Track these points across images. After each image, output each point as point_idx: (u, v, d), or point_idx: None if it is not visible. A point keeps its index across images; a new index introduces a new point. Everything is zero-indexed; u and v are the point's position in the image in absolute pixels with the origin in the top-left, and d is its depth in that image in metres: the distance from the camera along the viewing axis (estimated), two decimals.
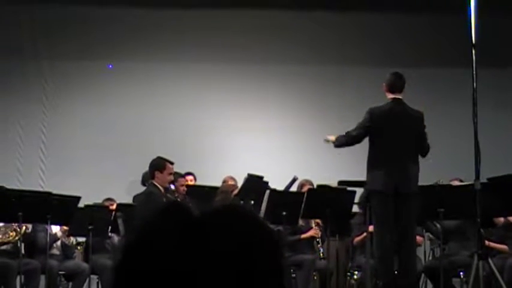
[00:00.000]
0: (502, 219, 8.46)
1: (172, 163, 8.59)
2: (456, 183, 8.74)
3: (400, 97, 7.55)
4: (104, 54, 11.50)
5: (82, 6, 11.46)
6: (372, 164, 7.45)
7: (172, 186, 8.83)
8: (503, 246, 8.44)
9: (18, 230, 8.57)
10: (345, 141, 7.64)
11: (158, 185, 8.43)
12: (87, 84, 11.52)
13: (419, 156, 7.52)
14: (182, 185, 9.49)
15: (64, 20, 11.48)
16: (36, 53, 11.43)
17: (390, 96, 7.56)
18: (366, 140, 7.57)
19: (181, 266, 1.11)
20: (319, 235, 9.20)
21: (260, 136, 11.48)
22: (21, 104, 11.40)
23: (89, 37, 11.45)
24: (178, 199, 8.76)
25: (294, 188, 9.39)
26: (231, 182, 9.62)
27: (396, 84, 7.57)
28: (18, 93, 11.40)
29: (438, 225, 8.46)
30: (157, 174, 8.45)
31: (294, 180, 9.30)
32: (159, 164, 8.51)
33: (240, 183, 9.15)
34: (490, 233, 8.57)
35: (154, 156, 8.70)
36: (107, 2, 11.57)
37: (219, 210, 1.20)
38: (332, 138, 7.79)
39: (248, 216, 1.19)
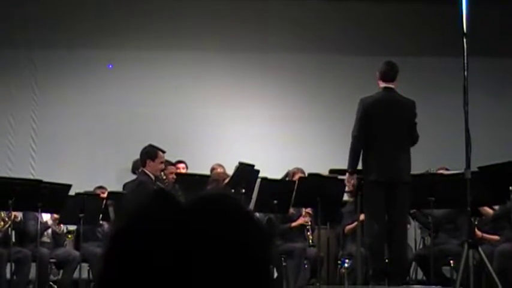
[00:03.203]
0: (491, 211, 8.48)
1: (164, 151, 8.58)
2: (444, 172, 8.76)
3: (392, 86, 7.55)
4: (94, 42, 11.45)
5: None
6: (365, 153, 7.46)
7: (163, 173, 8.80)
8: (495, 237, 8.47)
9: (7, 219, 8.55)
10: (354, 144, 7.50)
11: (149, 173, 8.42)
12: (78, 73, 11.47)
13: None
14: (171, 173, 9.46)
15: (55, 8, 11.43)
16: (26, 42, 11.38)
17: (382, 85, 7.57)
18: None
19: (167, 250, 1.11)
20: (309, 223, 9.22)
21: (252, 125, 11.48)
22: (12, 91, 11.36)
23: (80, 26, 11.39)
24: (166, 187, 8.74)
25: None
26: (219, 170, 9.61)
27: (388, 73, 7.57)
28: (9, 81, 11.36)
29: (429, 217, 8.50)
30: (149, 162, 8.44)
31: (288, 174, 9.33)
32: (151, 152, 8.49)
33: (230, 171, 9.15)
34: (483, 223, 8.61)
35: (146, 145, 8.68)
36: None
37: (205, 198, 1.20)
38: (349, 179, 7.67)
39: (234, 204, 1.19)
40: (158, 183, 8.65)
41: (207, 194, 1.24)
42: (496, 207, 8.42)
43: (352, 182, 7.52)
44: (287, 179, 9.24)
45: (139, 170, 8.63)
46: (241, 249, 1.15)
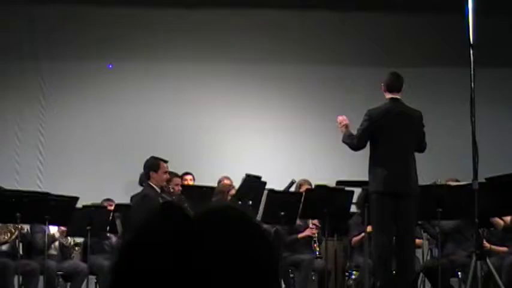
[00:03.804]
0: (502, 222, 8.45)
1: (166, 161, 8.56)
2: (453, 183, 8.75)
3: (398, 97, 7.55)
4: (101, 54, 11.49)
5: (80, 6, 11.44)
6: (372, 164, 7.46)
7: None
8: (503, 249, 8.44)
9: (13, 230, 8.56)
10: (350, 143, 7.61)
11: (154, 186, 8.40)
12: (85, 85, 11.51)
13: (417, 153, 7.54)
14: (177, 185, 9.45)
15: (62, 19, 11.46)
16: (34, 52, 11.42)
17: (388, 96, 7.57)
18: None
19: (176, 265, 1.11)
20: (316, 234, 9.20)
21: (259, 136, 11.48)
22: (19, 104, 11.38)
23: (87, 37, 11.44)
24: (173, 199, 8.73)
25: (292, 188, 9.39)
26: (226, 182, 9.61)
27: (394, 84, 7.58)
28: (16, 93, 11.39)
29: (436, 228, 8.47)
30: (152, 174, 8.43)
31: (292, 183, 9.32)
32: (153, 164, 8.48)
33: (236, 183, 9.15)
34: (491, 234, 8.58)
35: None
36: (105, 2, 11.55)
37: (213, 210, 1.21)
38: (346, 124, 7.75)
39: (241, 216, 1.20)
40: (164, 195, 8.63)
41: (215, 207, 1.24)
42: (508, 218, 8.39)
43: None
44: (292, 188, 9.22)
45: (145, 183, 8.62)
46: (249, 261, 1.15)
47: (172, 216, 1.17)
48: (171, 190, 9.15)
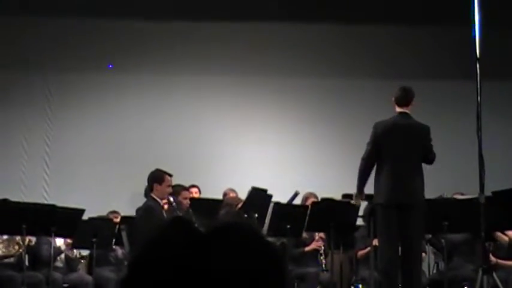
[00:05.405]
0: (506, 237, 8.43)
1: (170, 175, 8.56)
2: (459, 196, 8.73)
3: (406, 111, 7.56)
4: (106, 68, 11.54)
5: (87, 19, 11.48)
6: (378, 176, 7.46)
7: (171, 199, 8.79)
8: (510, 263, 8.42)
9: (21, 243, 8.57)
10: (361, 167, 7.58)
11: (157, 198, 8.40)
12: (91, 97, 11.54)
13: (424, 167, 7.52)
14: (186, 198, 9.44)
15: (69, 32, 11.51)
16: (41, 65, 11.46)
17: (398, 109, 7.60)
18: None
19: (185, 281, 1.12)
20: (322, 247, 9.20)
21: (265, 148, 11.49)
22: (26, 115, 11.42)
23: (94, 50, 11.47)
24: (180, 213, 8.73)
25: (298, 201, 9.39)
26: (232, 194, 9.61)
27: (402, 99, 7.60)
28: (23, 105, 11.42)
29: (443, 241, 8.45)
30: (156, 186, 8.43)
31: (296, 195, 9.31)
32: (157, 177, 8.48)
33: (241, 196, 9.15)
34: (497, 248, 8.56)
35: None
36: (111, 16, 11.59)
37: (223, 227, 1.21)
38: (355, 199, 7.77)
39: (252, 233, 1.20)
40: (170, 206, 8.61)
41: (224, 222, 1.24)
42: (511, 232, 8.38)
43: (358, 202, 7.57)
44: (296, 200, 9.21)
45: (148, 196, 8.62)
46: (257, 276, 1.15)
47: (182, 231, 1.17)
48: (176, 202, 9.14)
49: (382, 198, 7.37)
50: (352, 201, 7.89)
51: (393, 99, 7.65)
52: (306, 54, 11.77)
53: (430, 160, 7.55)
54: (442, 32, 11.70)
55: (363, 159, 7.53)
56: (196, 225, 1.21)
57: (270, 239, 8.74)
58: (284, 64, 11.72)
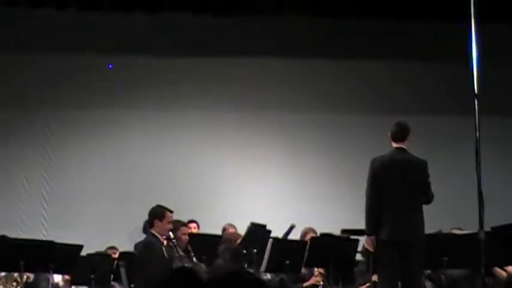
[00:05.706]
0: (504, 273, 8.41)
1: (171, 211, 8.53)
2: (458, 231, 8.73)
3: (402, 146, 7.57)
4: (108, 103, 11.55)
5: (86, 56, 11.50)
6: (377, 212, 7.44)
7: (171, 235, 8.76)
8: None
9: (19, 279, 8.52)
10: (368, 204, 7.46)
11: (157, 234, 8.37)
12: (91, 134, 11.55)
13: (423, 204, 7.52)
14: (184, 234, 9.40)
15: (68, 69, 11.53)
16: (40, 102, 11.47)
17: (394, 145, 7.60)
18: None
19: None
20: (321, 283, 9.16)
21: (263, 184, 11.49)
22: (25, 152, 11.40)
23: (92, 87, 11.48)
24: (179, 248, 8.69)
25: (297, 236, 9.38)
26: (231, 230, 9.59)
27: (398, 134, 7.60)
28: (23, 142, 11.41)
29: (442, 276, 8.43)
30: (156, 222, 8.39)
31: (292, 227, 9.32)
32: (158, 213, 8.45)
33: (240, 231, 9.13)
34: (496, 284, 8.53)
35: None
36: (111, 52, 11.62)
37: (226, 277, 1.22)
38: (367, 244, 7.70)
39: (254, 284, 1.20)
40: (169, 242, 8.58)
41: (227, 271, 1.25)
42: (510, 268, 8.35)
43: (372, 243, 7.45)
44: (292, 234, 9.20)
45: (148, 232, 8.59)
46: None
47: (188, 281, 1.18)
48: (174, 238, 9.10)
49: (382, 234, 7.35)
50: (366, 246, 7.77)
51: (389, 134, 7.65)
52: (304, 90, 11.81)
53: (429, 200, 7.53)
54: (438, 67, 11.77)
55: (368, 197, 7.44)
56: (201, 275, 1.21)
57: (268, 275, 8.76)
58: (283, 100, 11.76)
